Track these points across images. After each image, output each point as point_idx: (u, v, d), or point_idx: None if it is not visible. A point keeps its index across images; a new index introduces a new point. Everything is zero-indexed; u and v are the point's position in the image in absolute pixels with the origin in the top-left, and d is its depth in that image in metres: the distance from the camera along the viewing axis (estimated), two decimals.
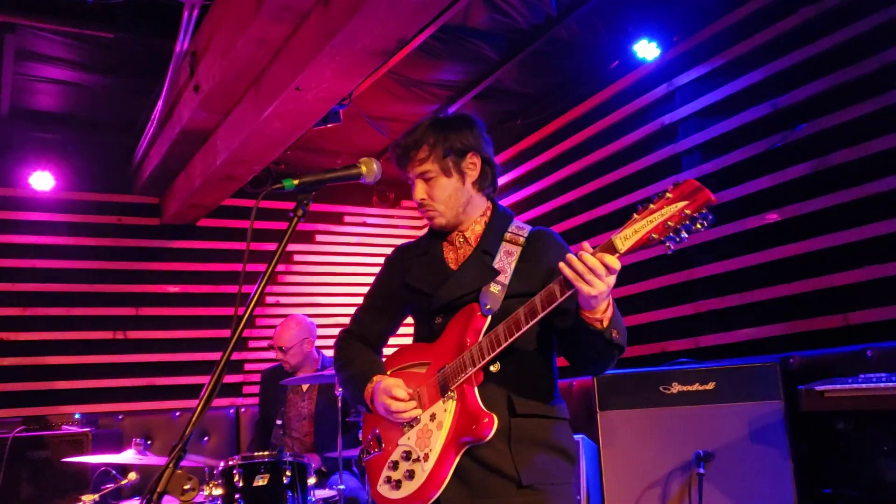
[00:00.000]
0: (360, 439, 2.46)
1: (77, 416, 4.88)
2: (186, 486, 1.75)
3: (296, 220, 1.97)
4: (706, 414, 3.63)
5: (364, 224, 7.04)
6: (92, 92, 5.17)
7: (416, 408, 2.18)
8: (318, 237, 6.79)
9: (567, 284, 1.89)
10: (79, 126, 5.70)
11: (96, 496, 3.88)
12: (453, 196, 2.25)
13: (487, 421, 2.03)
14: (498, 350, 2.03)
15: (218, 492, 3.75)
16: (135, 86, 5.08)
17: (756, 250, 4.10)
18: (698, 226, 1.77)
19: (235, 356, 1.68)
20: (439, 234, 2.35)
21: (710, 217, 1.78)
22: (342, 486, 3.98)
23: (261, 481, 3.73)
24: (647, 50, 4.64)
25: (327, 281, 6.75)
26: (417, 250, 2.40)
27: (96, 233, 5.88)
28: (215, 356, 5.93)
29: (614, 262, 1.85)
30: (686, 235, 1.79)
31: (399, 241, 7.10)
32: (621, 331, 1.99)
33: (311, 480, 3.85)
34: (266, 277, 1.89)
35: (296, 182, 1.97)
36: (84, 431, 4.77)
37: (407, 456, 2.16)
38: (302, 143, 4.90)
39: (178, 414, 5.62)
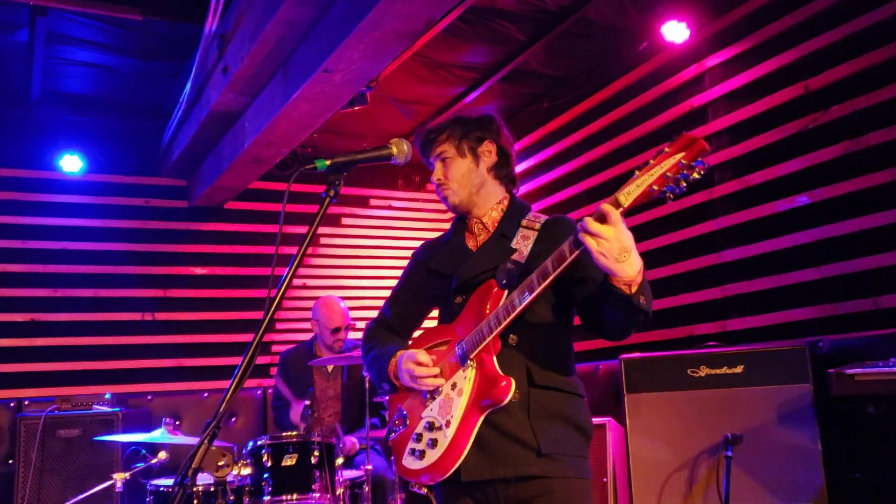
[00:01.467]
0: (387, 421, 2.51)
1: (108, 396, 4.96)
2: (221, 462, 1.78)
3: (328, 200, 1.99)
4: (734, 397, 3.61)
5: (390, 207, 7.05)
6: (121, 75, 5.21)
7: (439, 375, 2.24)
8: (345, 220, 6.81)
9: (576, 244, 1.95)
10: (108, 109, 5.74)
11: (127, 474, 3.95)
12: (466, 176, 2.38)
13: (505, 384, 2.09)
14: (513, 314, 2.09)
15: (247, 471, 3.81)
16: (164, 68, 5.12)
17: (786, 233, 4.06)
18: (695, 175, 1.82)
19: (264, 338, 1.73)
20: (461, 225, 2.45)
21: (706, 166, 1.82)
22: (370, 466, 4.02)
23: (289, 461, 3.78)
24: (675, 31, 4.59)
25: (353, 264, 6.79)
26: (441, 241, 2.53)
27: (125, 215, 5.95)
28: (242, 337, 6.02)
29: (610, 209, 1.88)
30: (684, 186, 1.83)
31: (424, 225, 7.15)
32: (648, 298, 2.00)
33: (339, 461, 3.89)
34: (298, 260, 1.91)
35: (328, 162, 2.00)
36: (115, 411, 4.85)
37: (430, 426, 2.22)
38: (329, 125, 4.91)
39: (206, 394, 5.69)
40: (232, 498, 3.79)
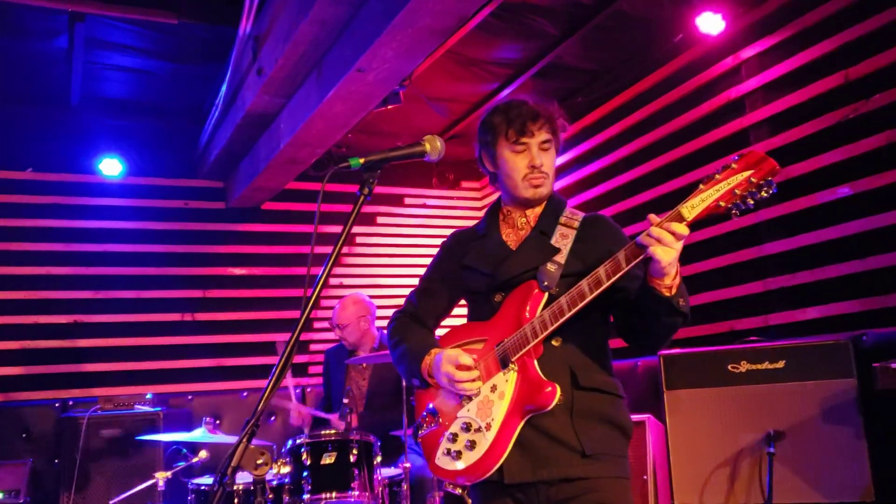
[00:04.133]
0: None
1: (149, 396, 5.03)
2: (259, 461, 1.79)
3: (362, 198, 1.99)
4: (776, 393, 3.55)
5: (424, 206, 7.07)
6: (158, 78, 5.28)
7: (477, 379, 2.20)
8: (380, 219, 6.84)
9: (635, 254, 1.95)
10: (146, 112, 5.83)
11: (169, 473, 4.01)
12: (554, 170, 2.33)
13: (550, 390, 2.07)
14: (560, 321, 2.07)
15: (286, 469, 3.83)
16: (200, 71, 5.18)
17: (827, 225, 3.98)
18: (763, 193, 1.84)
19: (301, 337, 1.73)
20: (497, 217, 2.40)
21: (774, 186, 1.84)
22: (408, 465, 4.02)
23: (328, 459, 3.79)
24: (711, 23, 4.51)
25: (389, 262, 6.82)
26: (474, 234, 2.45)
27: (164, 217, 6.04)
28: (281, 337, 6.07)
29: (682, 229, 1.90)
30: (752, 203, 1.85)
31: (459, 222, 7.14)
32: (686, 300, 2.04)
33: (377, 459, 3.90)
34: (333, 259, 1.91)
35: (362, 160, 2.00)
36: (156, 411, 4.93)
37: (467, 427, 2.19)
38: (362, 125, 4.93)
39: (245, 393, 5.74)
40: (271, 496, 3.81)
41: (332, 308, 6.34)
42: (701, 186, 1.89)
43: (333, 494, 3.74)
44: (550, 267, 2.18)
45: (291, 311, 6.26)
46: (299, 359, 6.27)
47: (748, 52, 4.46)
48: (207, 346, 6.02)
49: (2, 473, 4.56)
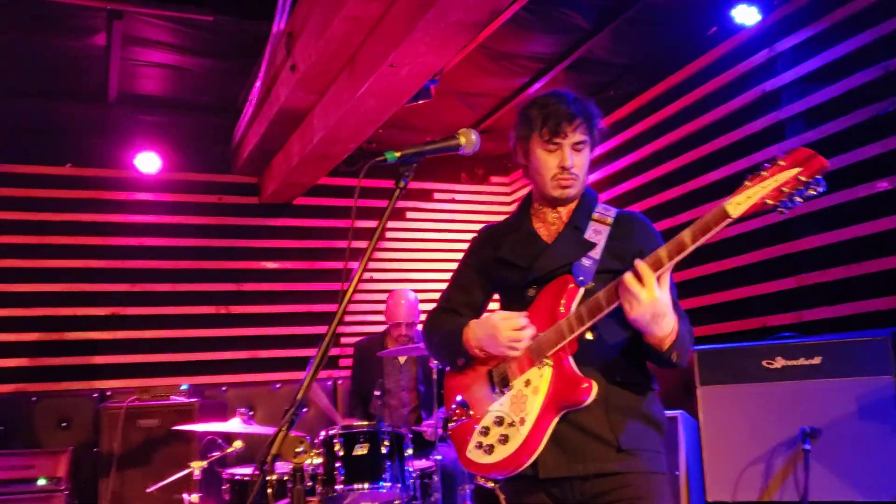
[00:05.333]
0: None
1: (184, 387, 5.10)
2: (298, 449, 1.83)
3: (398, 192, 2.02)
4: (812, 389, 3.52)
5: (453, 201, 7.08)
6: (193, 74, 5.35)
7: (527, 339, 2.16)
8: (409, 214, 6.86)
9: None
10: (181, 108, 5.91)
11: (204, 463, 4.07)
12: (587, 170, 2.29)
13: (587, 386, 2.06)
14: (598, 317, 2.06)
15: (318, 460, 3.86)
16: (233, 67, 5.23)
17: (864, 220, 3.93)
18: (811, 191, 1.80)
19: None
20: (527, 211, 2.38)
21: (824, 184, 1.80)
22: (439, 456, 4.05)
23: (360, 450, 3.83)
24: (746, 14, 4.47)
25: (418, 257, 6.84)
26: (507, 227, 2.43)
27: (198, 212, 6.12)
28: (312, 329, 6.14)
29: (645, 271, 1.93)
30: (800, 201, 1.81)
31: (487, 217, 7.15)
32: (683, 352, 2.07)
33: (409, 451, 3.93)
34: (368, 253, 1.94)
35: (398, 154, 2.02)
36: (191, 402, 5.00)
37: (500, 421, 2.18)
38: (392, 120, 4.95)
39: (278, 385, 5.81)
40: (310, 484, 3.84)
41: (362, 302, 6.44)
42: (746, 183, 1.86)
43: (365, 485, 3.78)
44: (585, 262, 2.17)
45: (322, 304, 6.31)
46: (332, 351, 6.31)
47: (784, 45, 4.41)
48: (241, 338, 6.09)
49: (44, 461, 4.67)
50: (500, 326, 2.17)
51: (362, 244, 1.94)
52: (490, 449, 2.18)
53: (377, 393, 4.18)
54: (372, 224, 1.96)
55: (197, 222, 6.10)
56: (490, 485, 3.92)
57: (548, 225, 2.33)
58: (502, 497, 2.73)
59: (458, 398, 2.34)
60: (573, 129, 2.21)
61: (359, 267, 1.93)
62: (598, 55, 5.15)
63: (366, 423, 3.97)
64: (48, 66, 5.11)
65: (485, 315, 2.27)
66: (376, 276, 6.64)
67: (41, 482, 4.58)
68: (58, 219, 5.72)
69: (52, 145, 5.78)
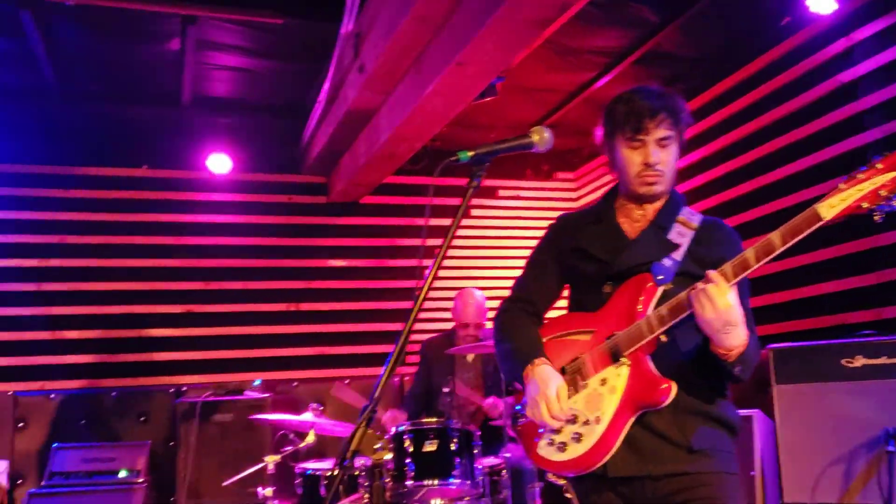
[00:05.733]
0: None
1: (257, 383, 5.22)
2: (377, 445, 1.86)
3: (470, 191, 2.03)
4: (895, 389, 3.41)
5: (518, 198, 7.06)
6: (263, 77, 5.46)
7: (564, 421, 2.15)
8: (474, 211, 6.86)
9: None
10: (251, 110, 6.04)
11: (278, 457, 4.15)
12: (674, 166, 2.25)
13: (666, 387, 2.04)
14: (679, 318, 2.03)
15: (388, 456, 3.91)
16: (302, 69, 5.32)
17: None
18: None
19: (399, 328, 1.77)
20: (611, 205, 2.34)
21: None
22: (508, 454, 4.05)
23: (430, 447, 3.84)
24: (822, 3, 4.35)
25: (483, 254, 6.83)
26: (588, 218, 2.38)
27: (269, 211, 6.25)
28: (379, 326, 6.21)
29: (721, 282, 1.92)
30: None
31: (553, 213, 7.07)
32: (748, 366, 2.06)
33: (477, 449, 3.93)
34: (443, 251, 1.96)
35: (470, 153, 2.02)
36: (264, 397, 5.12)
37: (573, 419, 2.16)
38: (457, 118, 4.96)
39: (347, 381, 5.88)
40: (388, 480, 3.87)
41: (429, 299, 6.43)
42: (841, 186, 1.83)
43: (435, 482, 3.79)
44: (666, 262, 2.14)
45: (389, 301, 6.37)
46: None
47: (862, 34, 4.27)
48: (311, 334, 6.20)
49: (124, 453, 4.84)
50: (550, 399, 2.14)
51: (433, 241, 1.96)
52: (563, 446, 2.17)
53: (446, 390, 4.19)
54: (442, 222, 1.98)
55: (267, 222, 6.23)
56: (561, 482, 3.91)
57: (632, 221, 2.30)
58: (573, 495, 2.72)
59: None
60: (656, 125, 2.17)
61: (433, 265, 1.95)
62: (666, 48, 5.07)
63: (434, 419, 3.99)
64: (125, 71, 5.28)
65: (548, 372, 2.20)
66: (441, 273, 6.64)
67: (122, 474, 4.75)
68: (134, 219, 5.90)
69: (129, 148, 5.97)
